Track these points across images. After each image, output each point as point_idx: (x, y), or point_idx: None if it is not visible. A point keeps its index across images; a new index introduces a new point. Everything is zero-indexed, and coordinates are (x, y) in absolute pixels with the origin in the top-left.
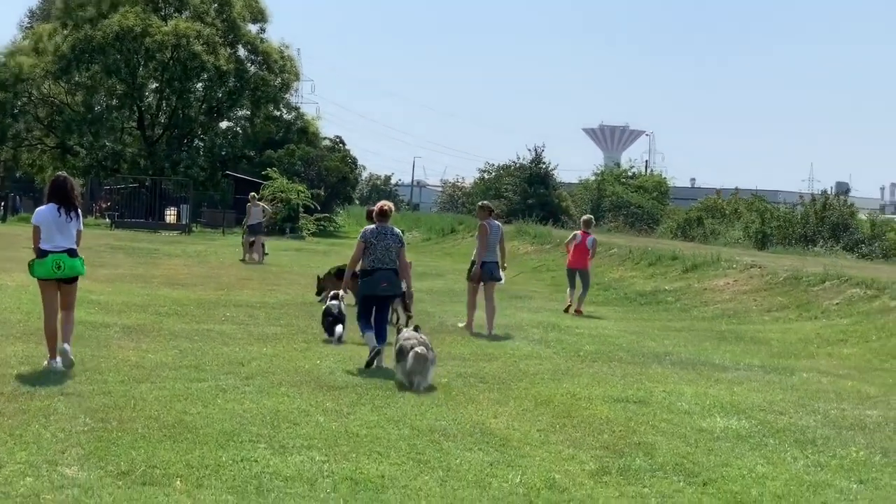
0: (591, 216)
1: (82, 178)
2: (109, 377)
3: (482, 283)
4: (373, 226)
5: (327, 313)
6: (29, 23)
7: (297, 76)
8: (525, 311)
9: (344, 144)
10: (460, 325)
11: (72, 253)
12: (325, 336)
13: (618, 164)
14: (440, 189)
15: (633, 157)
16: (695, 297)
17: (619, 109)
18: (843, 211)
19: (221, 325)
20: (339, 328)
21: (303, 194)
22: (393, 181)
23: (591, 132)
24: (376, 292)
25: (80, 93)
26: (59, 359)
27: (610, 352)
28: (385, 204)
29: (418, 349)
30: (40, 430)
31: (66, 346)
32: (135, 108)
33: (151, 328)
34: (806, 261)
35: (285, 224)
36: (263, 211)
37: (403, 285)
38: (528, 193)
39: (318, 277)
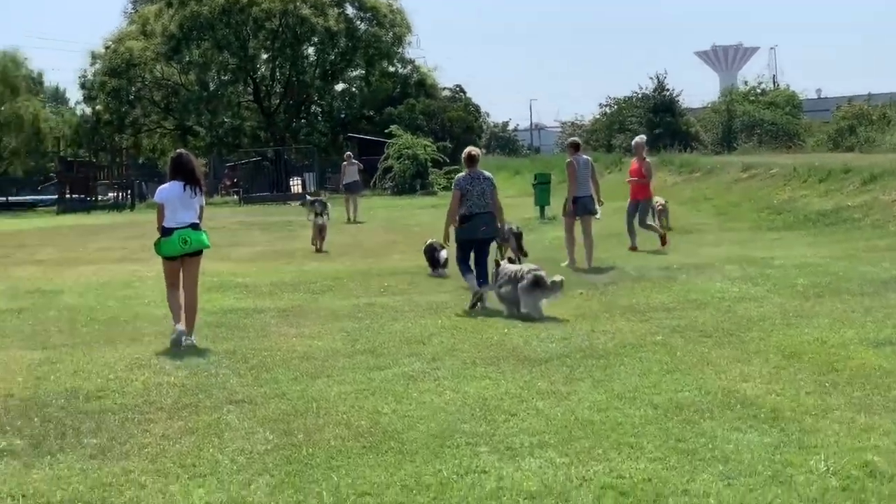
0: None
1: (204, 157)
2: (280, 374)
3: (579, 218)
4: (464, 173)
5: (430, 250)
6: (133, 8)
7: (408, 28)
8: (705, 245)
9: (465, 93)
10: (563, 264)
11: (196, 227)
12: (430, 271)
13: (745, 82)
14: (559, 130)
15: (752, 75)
16: (885, 212)
17: (729, 29)
18: None
19: (382, 298)
20: (443, 253)
21: (429, 148)
22: (510, 127)
23: (703, 55)
24: (477, 236)
25: (192, 71)
26: (182, 324)
27: (829, 283)
28: (472, 150)
29: (534, 274)
30: (215, 454)
31: (191, 339)
32: (249, 81)
33: (309, 309)
34: None
35: (415, 181)
36: (360, 170)
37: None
38: (654, 123)
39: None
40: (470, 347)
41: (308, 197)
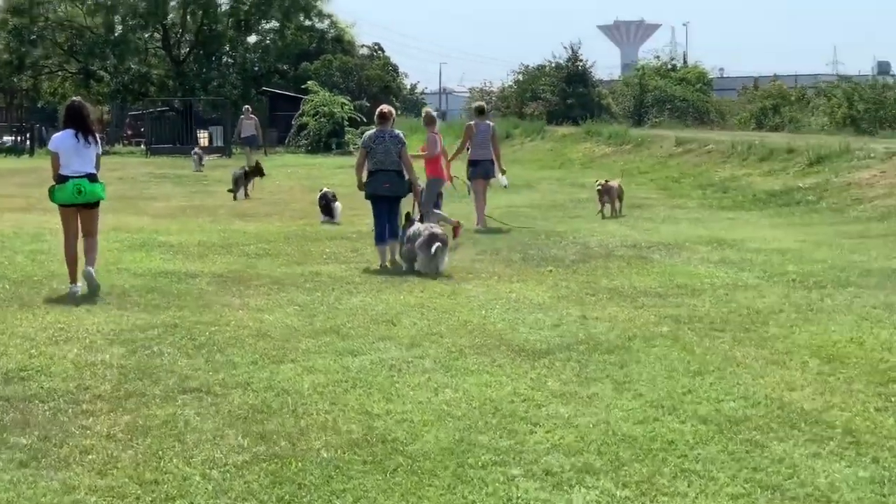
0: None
1: (108, 105)
2: (236, 356)
3: (482, 180)
4: (372, 130)
5: (323, 198)
6: None
7: None
8: (661, 222)
9: (383, 51)
10: (480, 224)
11: (92, 178)
12: (322, 217)
13: (657, 57)
14: (468, 95)
15: (653, 51)
16: (841, 195)
17: (632, 3)
18: None
19: (327, 266)
20: (337, 205)
21: (346, 107)
22: (418, 90)
23: (605, 29)
24: (378, 192)
25: (99, 13)
26: (80, 283)
27: (824, 273)
28: (385, 107)
29: (431, 232)
30: (181, 466)
31: (90, 268)
32: (158, 27)
33: (249, 276)
34: None
35: (331, 140)
36: (256, 125)
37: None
38: (567, 93)
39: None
40: (448, 332)
41: (196, 149)
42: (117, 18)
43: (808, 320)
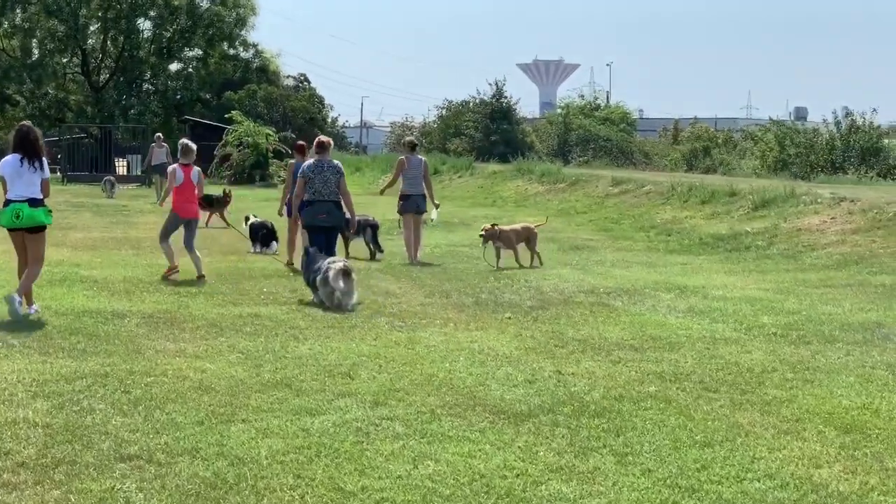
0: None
1: None
2: (178, 414)
3: (411, 215)
4: (311, 160)
5: (262, 227)
6: None
7: (253, 10)
8: (611, 266)
9: (309, 83)
10: (412, 260)
11: (33, 202)
12: (253, 248)
13: (581, 96)
14: (388, 130)
15: (574, 90)
16: (791, 240)
17: (550, 44)
18: (871, 134)
19: (267, 307)
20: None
21: (271, 138)
22: (339, 123)
23: (525, 67)
24: (315, 223)
25: (16, 36)
26: (34, 306)
27: (802, 325)
28: (323, 137)
29: (337, 266)
30: None
31: (13, 295)
32: (77, 52)
33: (182, 317)
34: (880, 190)
35: (255, 171)
36: (167, 153)
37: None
38: (490, 130)
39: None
40: (413, 388)
41: (107, 176)
42: (35, 42)
43: (808, 381)
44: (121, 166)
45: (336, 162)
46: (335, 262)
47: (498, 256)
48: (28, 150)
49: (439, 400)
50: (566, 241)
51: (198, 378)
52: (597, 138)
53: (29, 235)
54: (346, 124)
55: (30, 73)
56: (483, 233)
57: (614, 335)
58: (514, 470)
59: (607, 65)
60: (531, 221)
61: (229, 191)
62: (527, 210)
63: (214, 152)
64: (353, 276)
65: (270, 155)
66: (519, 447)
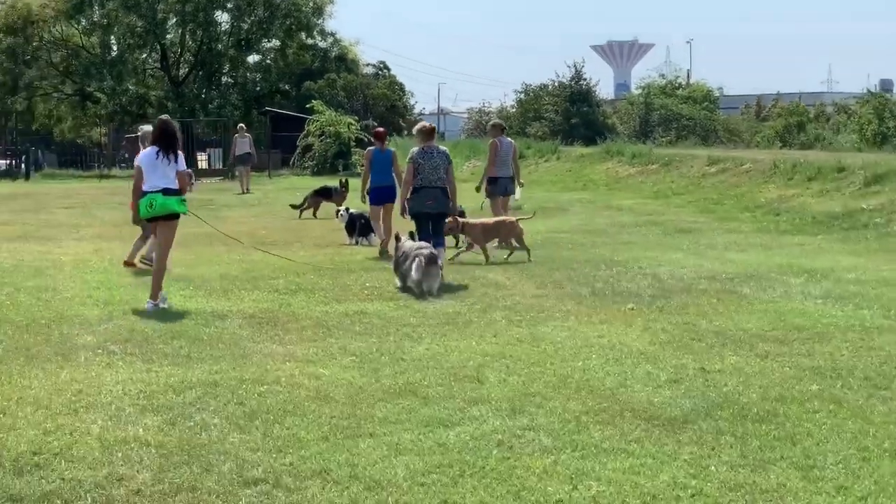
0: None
1: (104, 127)
2: (299, 429)
3: (499, 197)
4: (419, 147)
5: (360, 217)
6: None
7: None
8: (725, 249)
9: (389, 70)
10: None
11: (167, 192)
12: (351, 240)
13: (662, 76)
14: (466, 116)
15: (655, 69)
16: None
17: (624, 24)
18: None
19: (373, 303)
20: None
21: (353, 127)
22: (416, 111)
23: (599, 49)
24: (423, 209)
25: (95, 33)
26: (158, 301)
27: None
28: (428, 124)
29: (423, 256)
30: None
31: (149, 304)
32: (156, 47)
33: (285, 317)
34: None
35: (337, 161)
36: (251, 143)
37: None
38: (570, 113)
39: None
40: (549, 391)
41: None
42: (114, 38)
43: None
44: (202, 160)
45: (444, 148)
46: (422, 249)
47: (460, 249)
48: (165, 143)
49: (581, 405)
50: (669, 224)
51: (313, 386)
52: (679, 117)
53: (162, 223)
54: (423, 111)
55: (110, 70)
56: (448, 226)
57: (752, 326)
58: (687, 489)
59: (687, 42)
60: (520, 214)
61: (346, 181)
62: (620, 193)
63: (296, 143)
64: (439, 262)
65: (353, 144)
66: (685, 460)
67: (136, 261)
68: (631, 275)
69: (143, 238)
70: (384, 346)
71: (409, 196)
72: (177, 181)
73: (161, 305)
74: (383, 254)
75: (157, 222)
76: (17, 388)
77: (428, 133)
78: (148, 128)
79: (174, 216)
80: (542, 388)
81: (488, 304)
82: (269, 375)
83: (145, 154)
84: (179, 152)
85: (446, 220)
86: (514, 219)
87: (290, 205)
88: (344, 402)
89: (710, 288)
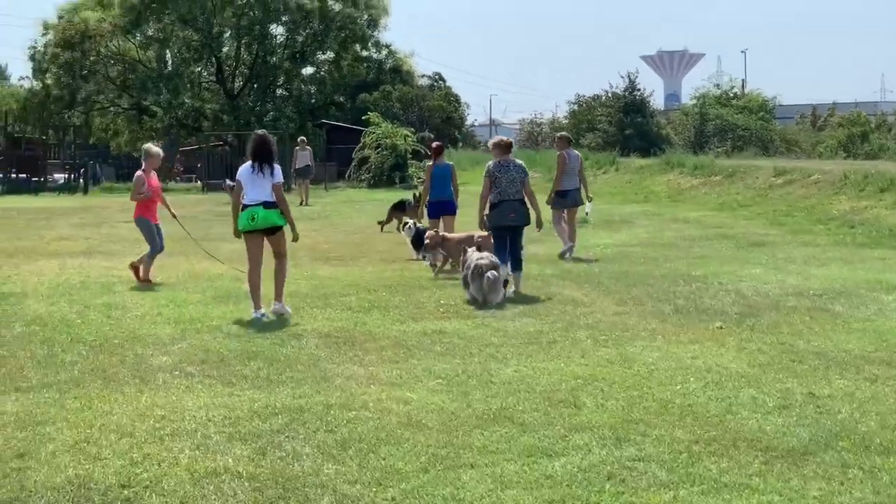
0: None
1: (160, 140)
2: (396, 460)
3: (566, 210)
4: (495, 160)
5: (421, 233)
6: None
7: (385, 10)
8: (811, 265)
9: (444, 81)
10: (562, 252)
11: (267, 205)
12: (418, 255)
13: (717, 86)
14: (517, 127)
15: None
16: None
17: (674, 35)
18: None
19: (450, 321)
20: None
21: (409, 138)
22: (468, 122)
23: (649, 59)
24: (505, 223)
25: (152, 47)
26: (263, 309)
27: None
28: (504, 138)
29: (490, 274)
30: None
31: (276, 305)
32: (212, 60)
33: (361, 336)
34: None
35: (394, 173)
36: (311, 156)
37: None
38: (624, 123)
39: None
40: (651, 417)
41: (228, 182)
42: (170, 52)
43: None
44: None
45: (520, 161)
46: (482, 259)
47: (439, 265)
48: (262, 156)
49: (689, 434)
50: (741, 237)
51: (403, 411)
52: (735, 128)
53: (268, 237)
54: (475, 123)
55: (166, 84)
56: (427, 241)
57: (854, 346)
58: None
59: (742, 52)
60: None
61: (418, 195)
62: (684, 205)
63: (352, 155)
64: (500, 272)
65: (409, 156)
66: (815, 497)
67: (146, 275)
68: (712, 291)
69: (151, 256)
70: (470, 368)
71: (488, 210)
72: (274, 194)
73: (277, 307)
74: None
75: (264, 237)
76: (99, 413)
77: (506, 147)
78: (151, 147)
79: (277, 228)
80: (644, 414)
81: (569, 323)
82: (356, 400)
83: (244, 168)
84: (276, 165)
85: (428, 236)
86: (486, 233)
87: (378, 221)
88: (438, 429)
89: (799, 305)
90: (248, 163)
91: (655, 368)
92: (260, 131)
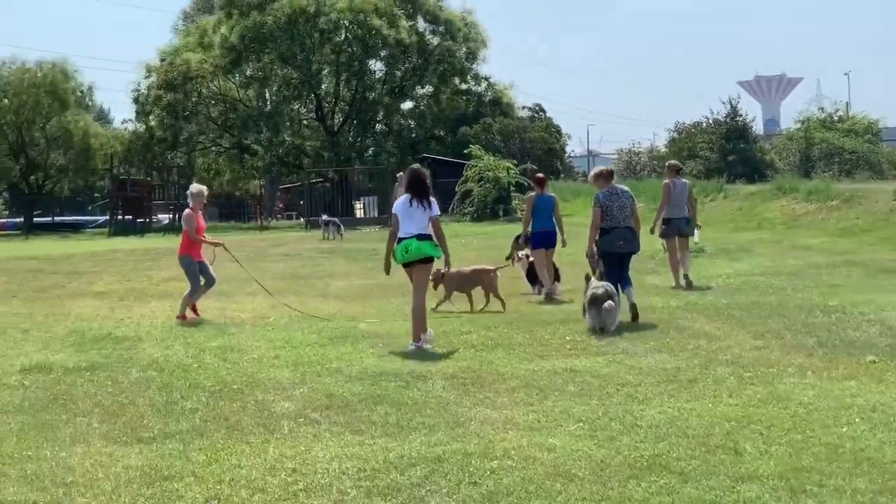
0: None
1: (261, 178)
2: None
3: (677, 239)
4: (603, 190)
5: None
6: (183, 24)
7: (483, 43)
8: None
9: (545, 112)
10: (672, 286)
11: (421, 237)
12: (531, 289)
13: (821, 109)
14: (615, 157)
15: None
16: None
17: (770, 59)
18: None
19: (580, 359)
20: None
21: (512, 171)
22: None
23: (746, 85)
24: (614, 249)
25: (252, 86)
26: (422, 342)
27: None
28: (604, 167)
29: (607, 305)
30: None
31: (410, 345)
32: (312, 97)
33: (489, 376)
34: None
35: (497, 206)
36: None
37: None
38: (726, 150)
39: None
40: (822, 464)
41: (324, 217)
42: (270, 91)
43: None
44: (358, 209)
45: (626, 188)
46: (598, 287)
47: (444, 300)
48: (418, 190)
49: (871, 483)
50: (870, 263)
51: (549, 460)
52: (841, 151)
53: (417, 266)
54: (573, 153)
55: (266, 122)
56: (430, 278)
57: None
58: None
59: (845, 74)
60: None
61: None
62: (802, 231)
63: (454, 188)
64: (616, 299)
65: (512, 188)
66: None
67: (188, 313)
68: (854, 322)
69: (193, 293)
70: (611, 410)
71: (597, 237)
72: (430, 227)
73: (425, 346)
74: (549, 296)
75: (413, 266)
76: (227, 467)
77: (608, 176)
78: (195, 186)
79: (429, 259)
80: (813, 461)
81: (707, 359)
82: (496, 448)
83: (400, 202)
84: (432, 199)
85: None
86: (492, 267)
87: (506, 257)
88: (590, 479)
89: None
90: (404, 197)
91: (814, 408)
92: (414, 166)
